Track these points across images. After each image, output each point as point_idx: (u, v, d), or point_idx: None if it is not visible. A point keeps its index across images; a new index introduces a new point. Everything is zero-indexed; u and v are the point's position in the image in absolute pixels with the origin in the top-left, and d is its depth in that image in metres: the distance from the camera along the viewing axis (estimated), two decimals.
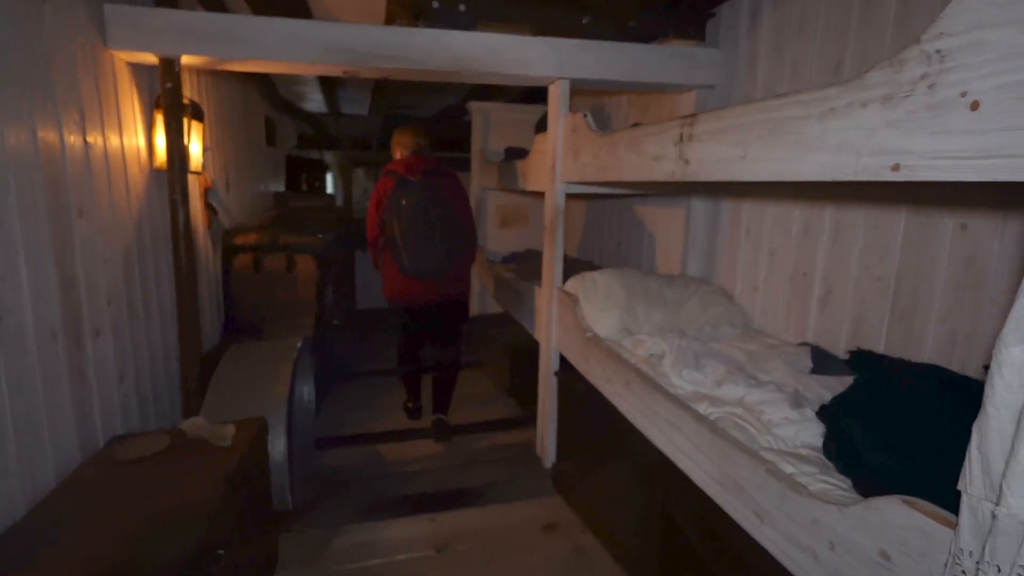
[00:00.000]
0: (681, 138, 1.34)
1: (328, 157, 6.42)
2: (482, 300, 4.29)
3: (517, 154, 3.50)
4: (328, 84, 4.44)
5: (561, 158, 2.27)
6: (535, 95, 4.68)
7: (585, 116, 2.00)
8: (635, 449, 1.63)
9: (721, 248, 2.34)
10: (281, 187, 4.90)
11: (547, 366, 2.46)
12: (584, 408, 2.05)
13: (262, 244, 2.93)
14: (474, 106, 4.03)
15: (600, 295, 2.09)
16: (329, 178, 6.51)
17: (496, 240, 4.30)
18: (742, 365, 1.67)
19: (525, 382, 3.23)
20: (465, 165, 6.68)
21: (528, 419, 3.03)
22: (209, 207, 2.79)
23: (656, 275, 2.27)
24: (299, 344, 2.34)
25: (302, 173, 4.83)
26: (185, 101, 2.12)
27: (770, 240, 2.03)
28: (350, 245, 5.04)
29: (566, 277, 2.41)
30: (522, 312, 3.00)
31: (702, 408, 1.39)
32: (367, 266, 5.76)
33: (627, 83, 2.30)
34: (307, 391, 2.66)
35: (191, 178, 2.42)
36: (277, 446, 1.92)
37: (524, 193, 4.24)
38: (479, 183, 4.10)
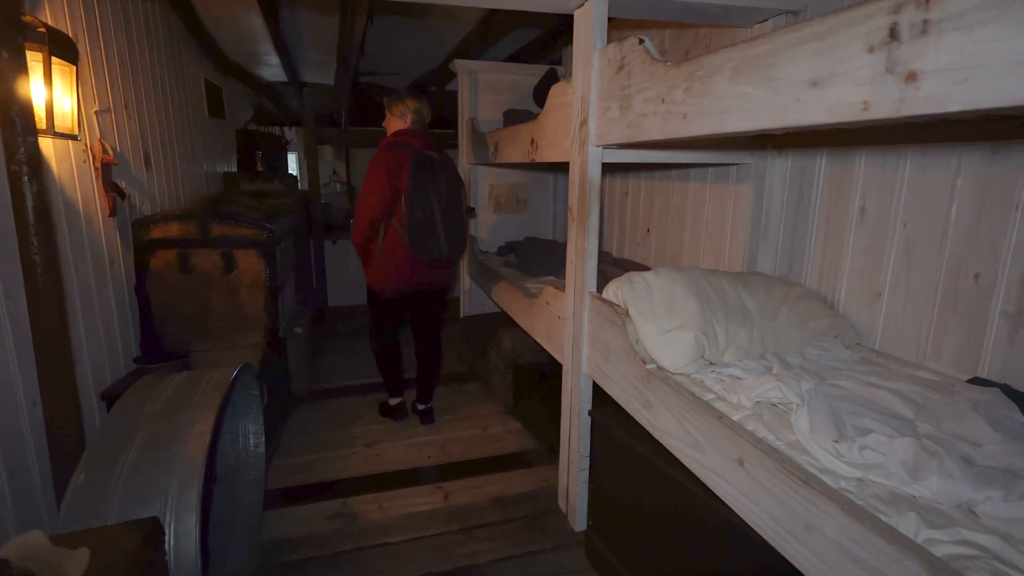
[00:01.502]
0: (896, 32, 0.70)
1: (291, 135, 5.65)
2: (473, 297, 3.63)
3: (519, 117, 2.84)
4: (285, 48, 3.70)
5: (596, 112, 1.62)
6: (528, 54, 4.02)
7: (642, 42, 1.35)
8: (744, 553, 1.02)
9: (811, 234, 1.72)
10: (232, 167, 4.15)
11: (575, 399, 1.83)
12: (636, 466, 1.43)
13: (189, 237, 2.23)
14: (459, 65, 3.33)
15: (661, 307, 1.45)
16: (293, 158, 5.75)
17: (489, 228, 3.64)
18: (912, 424, 1.05)
19: (534, 403, 2.61)
20: (447, 143, 6.03)
21: (540, 453, 2.42)
22: (115, 189, 2.07)
23: (723, 274, 1.64)
24: (234, 374, 1.67)
25: (257, 151, 4.09)
26: (39, 28, 1.42)
27: (907, 222, 1.42)
28: (317, 235, 4.34)
29: None
30: (532, 319, 2.36)
31: (915, 530, 0.77)
32: (339, 258, 5.09)
33: (684, 5, 1.64)
34: (253, 433, 1.99)
35: (59, 144, 1.71)
36: (184, 547, 1.26)
37: (525, 168, 3.58)
38: (468, 159, 3.42)
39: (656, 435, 1.32)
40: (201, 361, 2.15)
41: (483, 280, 3.22)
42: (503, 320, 3.07)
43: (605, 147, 1.66)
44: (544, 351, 2.27)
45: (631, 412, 1.45)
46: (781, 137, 1.77)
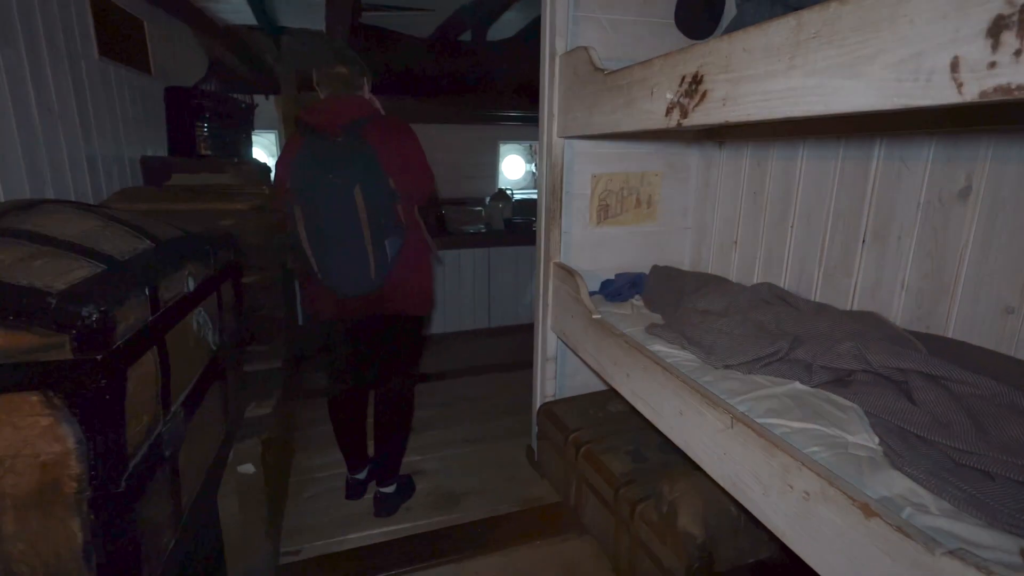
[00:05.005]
0: None
1: (267, 104, 4.10)
2: (564, 366, 2.12)
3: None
4: None
5: None
6: None
7: None
8: None
9: None
10: (159, 149, 2.61)
11: None
12: None
13: None
14: None
15: None
16: (272, 140, 4.21)
17: (588, 248, 2.11)
18: None
19: None
20: (474, 119, 4.45)
21: None
22: None
23: None
24: None
25: (200, 124, 2.55)
26: None
27: None
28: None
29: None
30: (684, 431, 0.82)
31: None
32: None
33: None
34: None
35: None
36: None
37: (658, 144, 2.03)
38: (561, 128, 1.88)
39: None
40: None
41: (582, 342, 1.70)
42: (624, 415, 1.56)
43: None
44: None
45: None
46: None
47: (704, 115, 1.10)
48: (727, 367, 1.39)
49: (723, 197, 2.08)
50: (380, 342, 1.94)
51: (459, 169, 4.65)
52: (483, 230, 4.01)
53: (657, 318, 1.79)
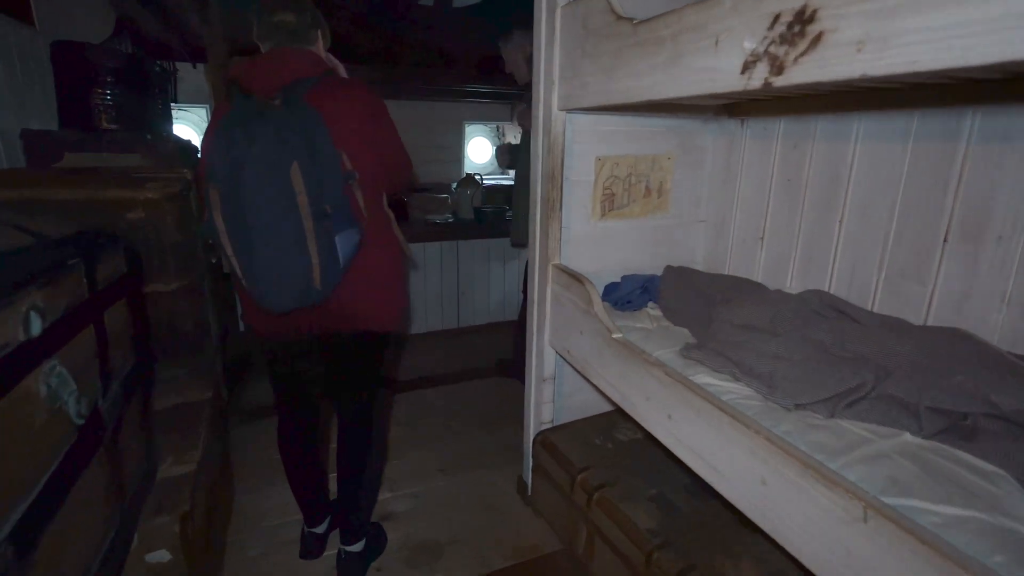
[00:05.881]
0: None
1: (195, 74, 3.53)
2: (562, 386, 1.79)
3: None
4: None
5: None
6: None
7: None
8: None
9: None
10: (49, 122, 2.08)
11: None
12: None
13: None
14: None
15: None
16: (204, 113, 3.66)
17: (591, 244, 1.77)
18: None
19: None
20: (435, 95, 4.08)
21: None
22: None
23: None
24: None
25: (101, 92, 2.03)
26: None
27: None
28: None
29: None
30: (770, 508, 0.50)
31: None
32: None
33: None
34: None
35: None
36: None
37: (672, 119, 1.65)
38: (561, 99, 1.52)
39: None
40: None
41: (597, 365, 1.36)
42: (635, 445, 1.25)
43: None
44: None
45: None
46: None
47: (818, 68, 0.76)
48: (799, 407, 1.08)
49: (746, 184, 1.77)
50: (337, 367, 1.54)
51: (418, 152, 4.19)
52: (450, 219, 3.61)
53: (684, 334, 1.47)
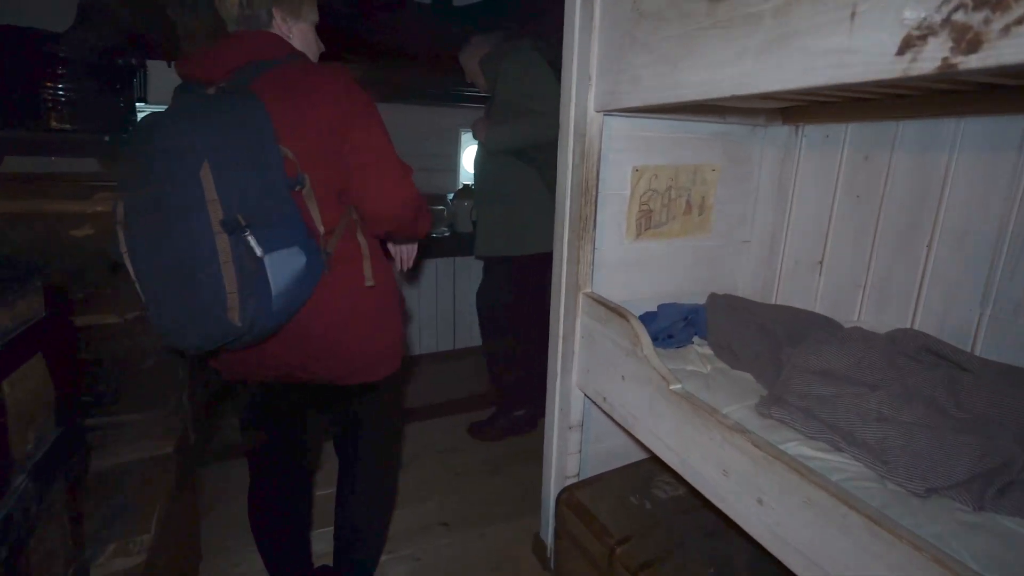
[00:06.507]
0: None
1: (170, 72, 3.23)
2: (588, 433, 1.53)
3: None
4: None
5: None
6: None
7: None
8: None
9: None
10: None
11: None
12: None
13: None
14: None
15: None
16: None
17: (624, 269, 1.52)
18: None
19: None
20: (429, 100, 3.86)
21: None
22: None
23: None
24: None
25: (51, 85, 1.75)
26: None
27: None
28: None
29: None
30: None
31: None
32: None
33: None
34: None
35: None
36: None
37: (719, 123, 1.38)
38: (604, 94, 1.27)
39: None
40: None
41: (647, 421, 1.10)
42: (679, 504, 1.02)
43: None
44: None
45: None
46: None
47: None
48: (930, 491, 0.83)
49: (802, 200, 1.54)
50: (331, 420, 1.28)
51: (410, 160, 3.92)
52: (447, 233, 3.35)
53: (748, 381, 1.23)
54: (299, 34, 1.16)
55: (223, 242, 0.91)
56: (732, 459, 0.93)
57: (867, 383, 1.07)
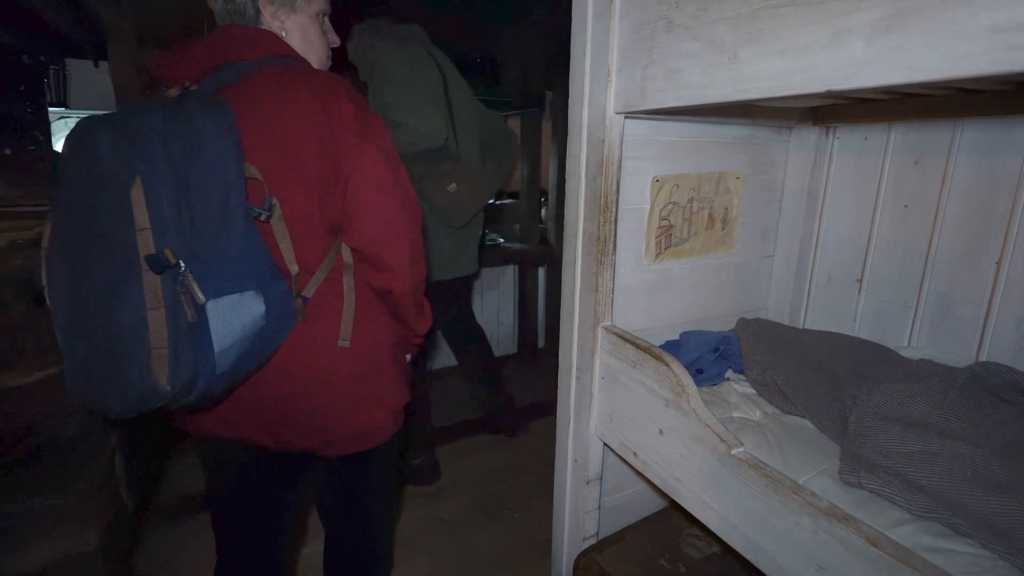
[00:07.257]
0: None
1: (97, 74, 2.85)
2: (606, 478, 1.31)
3: None
4: None
5: None
6: None
7: None
8: None
9: None
10: None
11: None
12: None
13: None
14: None
15: None
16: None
17: (642, 292, 1.31)
18: None
19: None
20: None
21: None
22: None
23: None
24: None
25: None
26: None
27: None
28: None
29: None
30: None
31: None
32: None
33: None
34: None
35: None
36: None
37: (743, 127, 1.13)
38: (628, 92, 1.06)
39: None
40: None
41: (695, 487, 0.89)
42: (712, 564, 0.79)
43: None
44: None
45: None
46: None
47: None
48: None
49: (835, 211, 1.38)
50: (317, 493, 1.04)
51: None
52: None
53: (808, 430, 1.04)
54: (297, 29, 0.93)
55: (152, 282, 0.68)
56: (831, 554, 0.73)
57: (958, 434, 0.89)
